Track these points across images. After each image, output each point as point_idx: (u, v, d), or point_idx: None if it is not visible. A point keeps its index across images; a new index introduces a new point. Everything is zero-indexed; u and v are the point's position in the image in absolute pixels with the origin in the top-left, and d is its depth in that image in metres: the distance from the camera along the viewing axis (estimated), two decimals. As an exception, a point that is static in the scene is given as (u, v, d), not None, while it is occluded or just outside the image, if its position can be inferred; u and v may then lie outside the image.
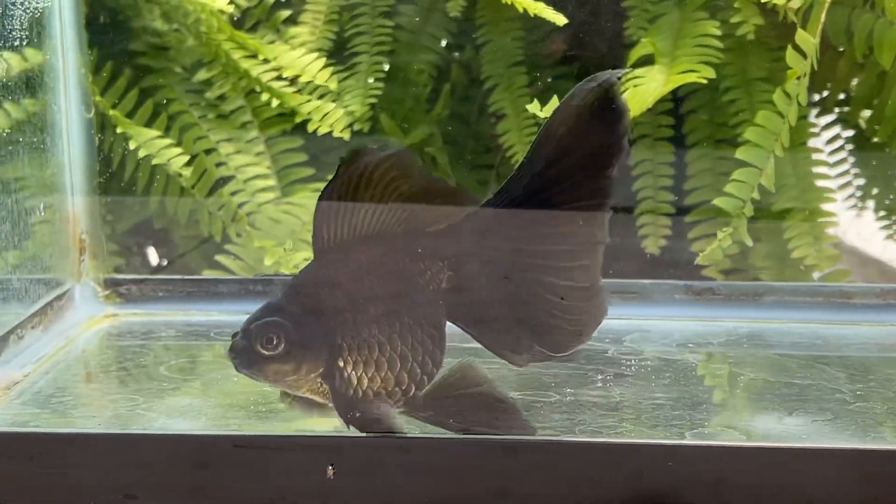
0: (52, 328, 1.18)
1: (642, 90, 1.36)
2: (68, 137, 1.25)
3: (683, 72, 1.41)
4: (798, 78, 1.26)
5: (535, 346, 0.93)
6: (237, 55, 1.65)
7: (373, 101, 1.69)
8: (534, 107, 1.32)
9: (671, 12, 1.57)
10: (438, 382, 0.89)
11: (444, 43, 1.78)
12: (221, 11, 1.46)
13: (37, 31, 1.16)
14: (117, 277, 1.31)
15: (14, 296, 1.11)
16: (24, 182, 1.14)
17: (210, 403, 1.01)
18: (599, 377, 1.09)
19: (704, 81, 1.39)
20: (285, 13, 1.71)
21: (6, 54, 1.09)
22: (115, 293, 1.30)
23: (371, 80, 1.70)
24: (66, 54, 1.25)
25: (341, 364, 0.87)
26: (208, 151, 1.65)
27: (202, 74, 1.69)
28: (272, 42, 1.73)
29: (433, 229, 0.90)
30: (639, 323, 1.24)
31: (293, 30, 1.76)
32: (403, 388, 0.89)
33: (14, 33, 1.09)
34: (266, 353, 0.87)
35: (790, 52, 1.27)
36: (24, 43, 1.12)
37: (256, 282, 1.27)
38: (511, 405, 0.91)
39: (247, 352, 0.87)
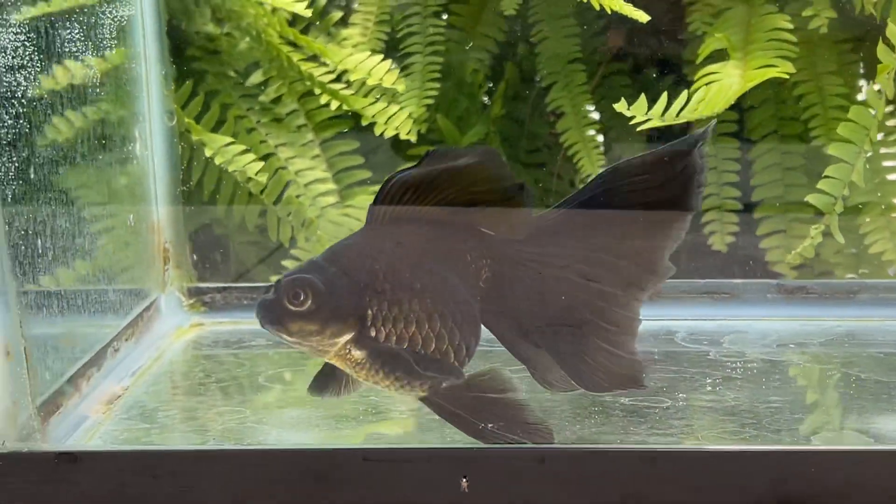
0: (144, 340, 1.16)
1: (722, 86, 1.34)
2: (151, 146, 1.23)
3: (761, 67, 1.39)
4: (888, 73, 1.24)
5: (568, 379, 0.90)
6: (296, 57, 1.63)
7: (429, 101, 1.66)
8: (621, 106, 1.29)
9: (737, 6, 1.55)
10: (466, 378, 0.86)
11: (497, 42, 1.76)
12: (276, 11, 1.43)
13: (122, 38, 1.14)
14: (201, 286, 1.28)
15: (110, 308, 1.09)
16: (114, 192, 1.12)
17: (318, 414, 0.99)
18: (708, 380, 1.07)
19: (786, 76, 1.37)
20: (337, 15, 1.69)
21: (94, 61, 1.07)
22: (199, 302, 1.28)
23: (426, 81, 1.68)
24: (148, 62, 1.23)
25: (373, 333, 0.83)
26: (268, 156, 1.63)
27: (256, 77, 1.67)
28: (325, 44, 1.71)
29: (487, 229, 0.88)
30: (733, 324, 1.23)
31: (345, 31, 1.73)
32: None
33: (103, 42, 1.07)
34: (292, 308, 0.83)
35: (881, 47, 1.25)
36: (111, 51, 1.10)
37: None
38: (533, 414, 0.88)
39: (274, 306, 0.84)
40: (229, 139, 1.43)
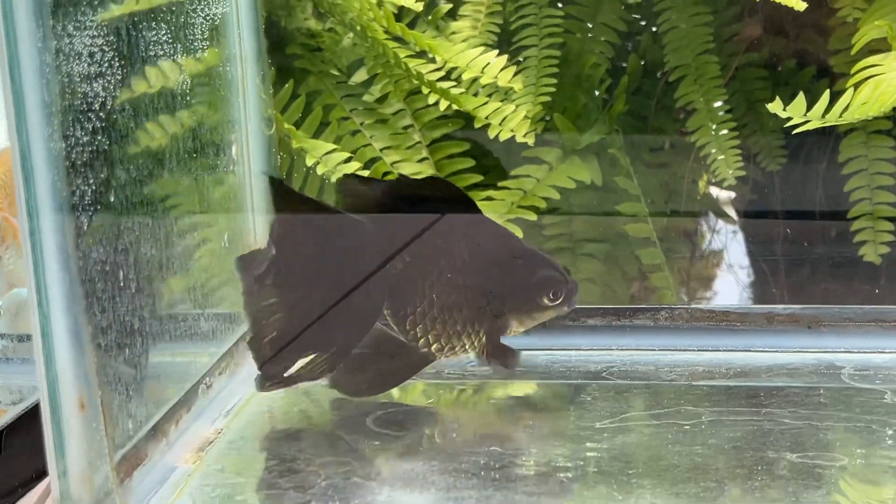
0: (239, 372, 1.03)
1: (886, 83, 1.15)
2: (249, 155, 1.10)
3: (930, 59, 1.20)
4: None
5: None
6: (403, 54, 1.49)
7: (545, 99, 1.51)
8: (775, 106, 1.12)
9: (894, -10, 1.36)
10: None
11: (618, 33, 1.60)
12: (383, 4, 1.29)
13: (215, 38, 1.00)
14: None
15: (201, 337, 0.96)
16: (207, 207, 0.99)
17: (432, 468, 0.85)
18: (889, 431, 0.90)
19: (962, 70, 1.17)
20: (446, 7, 1.54)
21: (185, 63, 0.94)
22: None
23: (542, 77, 1.52)
24: (244, 63, 1.09)
25: None
26: (373, 161, 1.49)
27: (360, 76, 1.53)
28: (434, 38, 1.56)
29: None
30: (910, 357, 1.05)
31: (454, 24, 1.59)
32: None
33: (194, 43, 0.94)
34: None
35: None
36: (202, 53, 0.97)
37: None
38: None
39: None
40: (332, 146, 1.29)
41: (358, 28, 1.44)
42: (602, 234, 1.62)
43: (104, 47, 0.76)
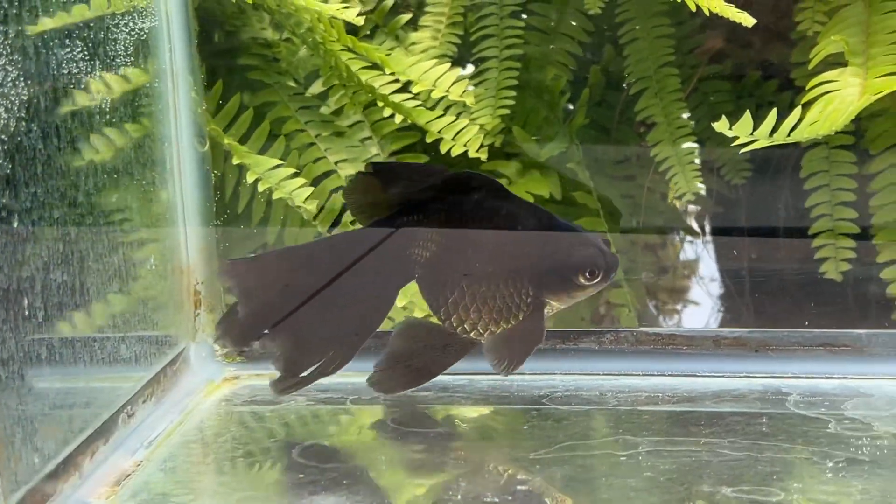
0: (166, 399, 0.99)
1: (842, 100, 1.12)
2: (180, 174, 1.06)
3: (885, 75, 1.17)
4: None
5: None
6: (356, 66, 1.45)
7: (504, 111, 1.48)
8: (721, 125, 1.08)
9: (855, 3, 1.33)
10: None
11: (580, 44, 1.57)
12: (333, 18, 1.26)
13: (143, 55, 0.97)
14: (237, 333, 1.11)
15: (123, 360, 0.92)
16: (130, 227, 0.95)
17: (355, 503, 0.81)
18: (829, 463, 0.87)
19: (916, 86, 1.14)
20: (405, 17, 1.51)
21: (109, 79, 0.91)
22: (234, 351, 1.11)
23: (502, 89, 1.49)
24: (175, 79, 1.06)
25: None
26: (327, 174, 1.46)
27: (316, 87, 1.50)
28: (392, 49, 1.53)
29: None
30: (856, 384, 1.01)
31: (414, 35, 1.56)
32: None
33: (118, 60, 0.90)
34: None
35: None
36: (128, 68, 0.93)
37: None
38: None
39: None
40: (276, 161, 1.26)
41: (310, 40, 1.40)
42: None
43: (6, 67, 0.73)
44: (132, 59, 0.94)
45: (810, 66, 1.28)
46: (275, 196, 1.21)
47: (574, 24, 1.55)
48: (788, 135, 1.07)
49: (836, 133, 1.42)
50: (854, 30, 1.28)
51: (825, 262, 1.40)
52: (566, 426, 0.96)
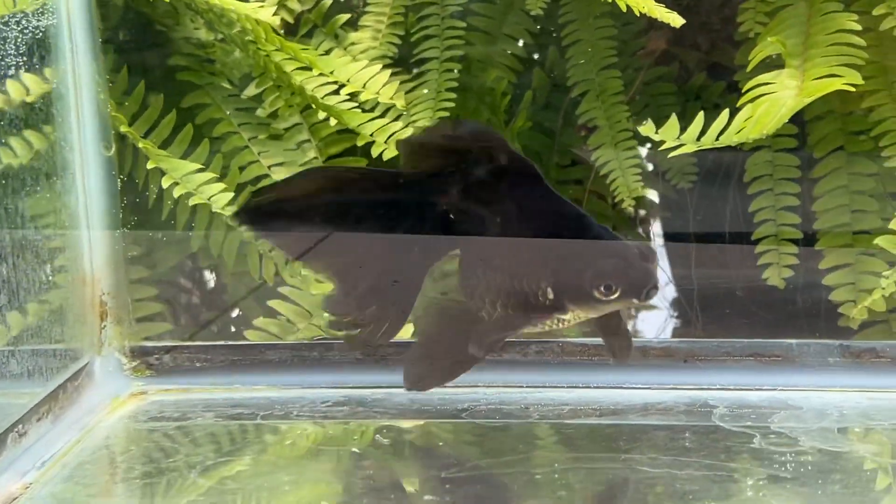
0: (65, 416, 0.95)
1: (773, 103, 1.08)
2: (84, 180, 1.02)
3: (822, 77, 1.14)
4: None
5: None
6: (289, 67, 1.41)
7: (444, 113, 1.45)
8: (647, 129, 1.05)
9: (797, 3, 1.30)
10: None
11: (523, 44, 1.54)
12: (258, 21, 1.22)
13: (39, 56, 0.92)
14: (147, 346, 1.07)
15: (13, 376, 0.87)
16: (27, 235, 0.90)
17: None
18: (749, 481, 0.83)
19: (851, 89, 1.11)
20: (344, 17, 1.47)
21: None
22: (143, 365, 1.06)
23: (442, 91, 1.46)
24: (78, 81, 1.01)
25: None
26: (260, 178, 1.42)
27: (251, 90, 1.46)
28: (329, 50, 1.49)
29: None
30: (786, 396, 0.98)
31: (353, 35, 1.52)
32: None
33: (7, 61, 0.86)
34: None
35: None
36: (23, 70, 0.89)
37: (313, 347, 1.02)
38: None
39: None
40: (196, 165, 1.21)
41: (240, 41, 1.36)
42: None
43: None
44: (26, 60, 0.89)
45: (748, 69, 1.25)
46: (191, 202, 1.17)
47: (517, 25, 1.51)
48: (717, 139, 1.04)
49: (780, 136, 1.40)
50: (794, 31, 1.25)
51: (768, 268, 1.37)
52: (483, 442, 0.92)
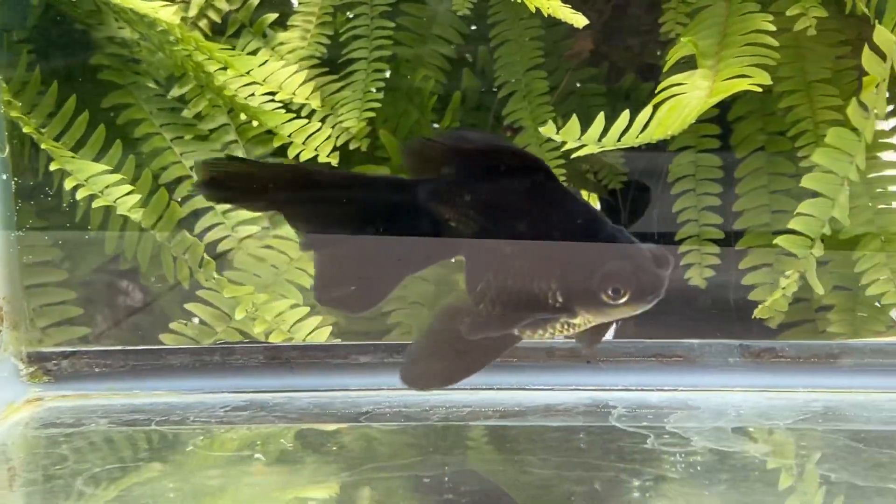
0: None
1: (678, 103, 1.08)
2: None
3: (732, 77, 1.14)
4: (877, 85, 0.98)
5: None
6: (211, 68, 1.40)
7: (371, 114, 1.44)
8: (548, 129, 1.05)
9: (715, 4, 1.30)
10: None
11: (453, 46, 1.54)
12: (166, 24, 1.21)
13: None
14: (44, 351, 1.05)
15: None
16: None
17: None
18: (636, 483, 0.83)
19: (758, 90, 1.11)
20: (271, 16, 1.46)
21: None
22: (41, 370, 1.05)
23: (369, 91, 1.46)
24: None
25: None
26: (182, 179, 1.41)
27: (176, 91, 1.45)
28: (257, 50, 1.49)
29: None
30: (685, 396, 0.97)
31: (282, 35, 1.51)
32: None
33: None
34: None
35: (867, 54, 0.99)
36: None
37: (214, 351, 1.01)
38: None
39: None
40: (103, 167, 1.20)
41: (157, 41, 1.35)
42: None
43: None
44: None
45: (665, 69, 1.25)
46: (95, 204, 1.16)
47: (447, 25, 1.51)
48: (619, 140, 1.04)
49: (704, 137, 1.40)
50: (711, 31, 1.25)
51: (691, 268, 1.37)
52: (377, 446, 0.91)
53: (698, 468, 0.85)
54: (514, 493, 0.80)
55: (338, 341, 1.12)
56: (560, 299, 0.81)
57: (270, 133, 1.41)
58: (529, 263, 0.83)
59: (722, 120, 1.41)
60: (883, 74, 1.00)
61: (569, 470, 0.85)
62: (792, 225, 1.01)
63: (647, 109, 1.06)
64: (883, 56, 1.00)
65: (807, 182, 1.02)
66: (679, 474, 0.83)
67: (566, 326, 0.85)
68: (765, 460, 0.85)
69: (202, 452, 0.89)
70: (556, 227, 0.85)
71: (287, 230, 1.41)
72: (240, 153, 1.45)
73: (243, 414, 0.95)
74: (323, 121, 1.42)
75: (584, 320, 0.84)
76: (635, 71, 1.59)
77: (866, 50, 1.00)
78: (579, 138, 1.04)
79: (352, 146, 1.43)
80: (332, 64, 1.50)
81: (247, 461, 0.89)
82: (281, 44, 1.49)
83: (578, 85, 1.57)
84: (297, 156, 1.32)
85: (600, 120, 1.05)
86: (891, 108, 1.25)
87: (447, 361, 0.86)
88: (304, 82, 1.33)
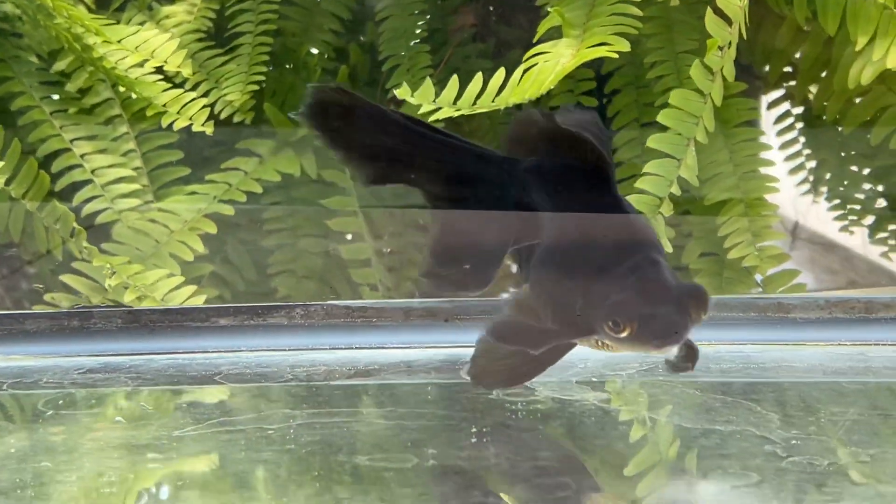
0: None
1: (542, 69, 1.10)
2: None
3: (593, 45, 1.16)
4: (720, 48, 1.01)
5: None
6: (90, 40, 1.40)
7: (255, 87, 1.45)
8: (403, 92, 1.06)
9: (586, -24, 1.33)
10: None
11: (340, 20, 1.55)
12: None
13: None
14: None
15: None
16: None
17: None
18: (473, 429, 0.85)
19: (615, 56, 1.14)
20: (156, -11, 1.47)
21: None
22: None
23: (254, 65, 1.46)
24: None
25: None
26: (60, 152, 1.41)
27: (58, 65, 1.45)
28: (143, 23, 1.49)
29: None
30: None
31: (167, 8, 1.51)
32: None
33: None
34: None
35: (710, 18, 1.02)
36: None
37: (72, 315, 1.02)
38: None
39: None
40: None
41: (31, 13, 1.35)
42: (322, 230, 1.56)
43: None
44: None
45: (534, 39, 1.27)
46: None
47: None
48: (474, 103, 1.06)
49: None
50: (580, 2, 1.28)
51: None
52: (229, 403, 0.92)
53: (538, 415, 0.87)
54: (355, 442, 0.82)
55: (198, 305, 1.13)
56: (581, 313, 0.77)
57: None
58: (559, 272, 0.79)
59: (599, 92, 1.44)
60: (727, 38, 1.03)
61: (412, 420, 0.86)
62: (639, 185, 1.04)
63: (500, 73, 1.08)
64: (728, 21, 1.02)
65: (652, 142, 1.04)
66: (515, 422, 0.86)
67: (600, 344, 0.80)
68: (602, 406, 0.88)
69: (49, 412, 0.89)
70: (601, 240, 0.78)
71: (172, 202, 1.42)
72: (123, 128, 1.45)
73: (98, 376, 0.96)
74: (207, 95, 1.43)
75: (603, 345, 0.80)
76: (523, 47, 1.60)
77: (709, 13, 1.03)
78: (434, 101, 1.06)
79: (236, 119, 1.44)
80: (219, 38, 1.51)
81: (93, 418, 0.90)
82: (167, 17, 1.49)
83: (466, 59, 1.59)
84: (171, 125, 1.32)
85: (454, 83, 1.07)
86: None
87: (508, 361, 0.84)
88: (177, 50, 1.33)
